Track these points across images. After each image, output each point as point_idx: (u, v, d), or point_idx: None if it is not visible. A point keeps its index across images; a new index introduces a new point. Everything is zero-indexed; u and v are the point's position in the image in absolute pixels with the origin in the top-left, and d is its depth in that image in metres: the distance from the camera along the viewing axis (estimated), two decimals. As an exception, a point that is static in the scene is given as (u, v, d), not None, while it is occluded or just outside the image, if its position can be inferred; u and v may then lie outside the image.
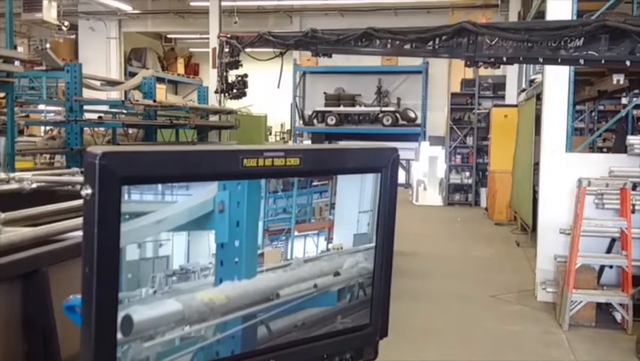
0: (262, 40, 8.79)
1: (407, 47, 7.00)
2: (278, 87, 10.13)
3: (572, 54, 5.73)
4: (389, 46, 7.15)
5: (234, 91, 10.30)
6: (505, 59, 6.37)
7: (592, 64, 6.08)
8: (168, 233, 1.10)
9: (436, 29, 6.79)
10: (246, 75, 10.33)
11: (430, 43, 6.77)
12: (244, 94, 10.50)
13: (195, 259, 1.13)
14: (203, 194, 1.10)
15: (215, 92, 10.59)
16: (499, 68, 8.55)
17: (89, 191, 1.01)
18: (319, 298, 1.26)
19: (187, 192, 1.12)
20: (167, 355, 1.09)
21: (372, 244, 1.38)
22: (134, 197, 1.05)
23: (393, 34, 7.06)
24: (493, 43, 6.24)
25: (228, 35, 9.69)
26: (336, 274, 1.24)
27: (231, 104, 13.33)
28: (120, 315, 1.03)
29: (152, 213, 1.06)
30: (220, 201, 1.13)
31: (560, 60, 5.96)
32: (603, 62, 5.73)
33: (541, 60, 6.25)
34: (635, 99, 10.07)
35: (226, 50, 9.56)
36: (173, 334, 1.08)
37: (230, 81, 10.14)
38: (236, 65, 9.76)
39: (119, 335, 1.03)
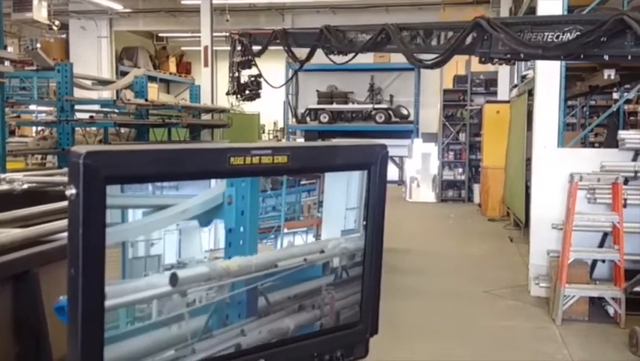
0: (277, 39, 8.13)
1: (434, 42, 6.51)
2: (295, 114, 9.67)
3: (596, 50, 5.41)
4: (405, 44, 6.63)
5: (247, 92, 9.73)
6: (522, 55, 5.99)
7: (617, 59, 5.84)
8: (162, 231, 1.17)
9: (450, 26, 6.46)
10: (259, 75, 9.68)
11: (446, 40, 6.34)
12: (258, 95, 9.90)
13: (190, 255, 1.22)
14: (215, 189, 1.23)
15: (227, 93, 9.99)
16: (514, 64, 8.23)
17: (74, 191, 1.00)
18: (308, 270, 1.39)
19: (177, 192, 1.16)
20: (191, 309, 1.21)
21: (358, 235, 1.46)
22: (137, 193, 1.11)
23: (413, 34, 6.61)
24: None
25: (240, 32, 9.10)
26: (322, 252, 1.41)
27: (225, 102, 13.29)
28: (168, 273, 1.16)
29: (176, 205, 1.18)
30: (229, 195, 1.24)
31: (582, 56, 5.67)
32: (630, 57, 5.38)
33: (562, 57, 5.91)
34: (626, 94, 10.10)
35: (238, 48, 9.01)
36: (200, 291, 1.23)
37: (242, 82, 9.56)
38: (248, 64, 9.21)
39: (169, 287, 1.16)
